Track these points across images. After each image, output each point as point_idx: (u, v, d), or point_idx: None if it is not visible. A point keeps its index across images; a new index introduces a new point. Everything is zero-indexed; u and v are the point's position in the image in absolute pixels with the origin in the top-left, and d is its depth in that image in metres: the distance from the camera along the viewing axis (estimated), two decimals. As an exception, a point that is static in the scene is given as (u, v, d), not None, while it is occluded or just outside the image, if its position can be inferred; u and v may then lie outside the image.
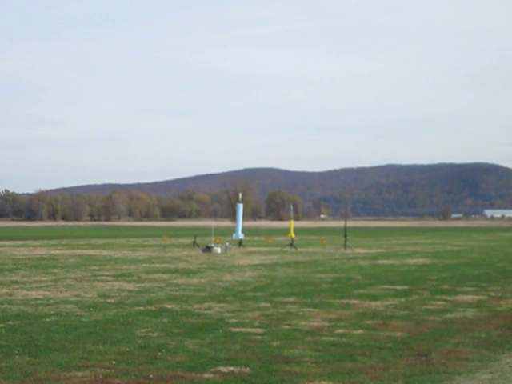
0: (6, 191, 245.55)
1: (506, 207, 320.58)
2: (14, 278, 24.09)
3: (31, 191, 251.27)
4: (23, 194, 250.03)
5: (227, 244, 43.54)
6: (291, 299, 18.10)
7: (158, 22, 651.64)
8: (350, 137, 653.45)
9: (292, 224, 51.07)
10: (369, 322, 14.32)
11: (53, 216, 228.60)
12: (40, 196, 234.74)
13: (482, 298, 18.66)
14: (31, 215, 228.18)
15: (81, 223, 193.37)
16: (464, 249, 47.63)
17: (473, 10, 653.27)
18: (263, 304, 17.09)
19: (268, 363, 10.33)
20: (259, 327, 13.55)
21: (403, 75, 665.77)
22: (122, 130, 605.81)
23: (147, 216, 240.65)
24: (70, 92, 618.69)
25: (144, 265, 31.17)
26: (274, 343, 11.90)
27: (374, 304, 17.22)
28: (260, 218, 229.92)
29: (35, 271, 27.30)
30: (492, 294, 19.62)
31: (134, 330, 13.19)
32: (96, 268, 28.94)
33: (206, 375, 9.60)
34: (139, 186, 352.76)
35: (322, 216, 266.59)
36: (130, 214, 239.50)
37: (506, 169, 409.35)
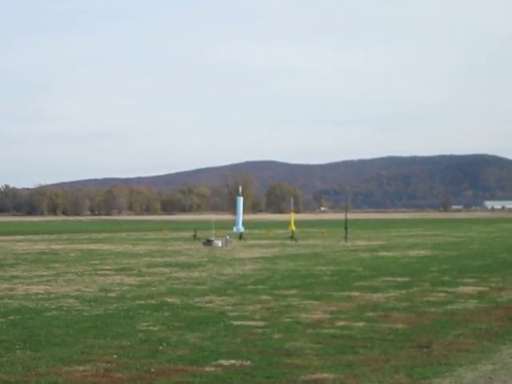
0: (6, 186, 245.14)
1: (506, 198, 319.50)
2: (15, 273, 24.10)
3: (31, 186, 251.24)
4: (23, 189, 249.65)
5: (228, 237, 43.51)
6: (292, 292, 18.09)
7: (157, 16, 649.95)
8: (350, 129, 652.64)
9: (292, 217, 51.04)
10: (370, 314, 14.32)
11: (53, 211, 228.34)
12: (40, 191, 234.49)
13: (482, 289, 18.66)
14: (31, 210, 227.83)
15: (81, 218, 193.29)
16: (464, 240, 47.62)
17: (470, 0, 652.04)
18: (264, 297, 17.09)
19: (269, 356, 10.33)
20: (260, 320, 13.55)
21: (403, 67, 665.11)
22: (122, 124, 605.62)
23: (148, 210, 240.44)
24: (69, 87, 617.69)
25: (145, 259, 31.19)
26: (275, 336, 11.90)
27: (375, 296, 17.22)
28: (260, 210, 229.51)
29: (36, 266, 27.31)
30: (493, 285, 19.62)
31: (134, 323, 13.19)
32: (97, 262, 28.95)
33: (207, 368, 9.60)
34: (139, 180, 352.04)
35: (322, 208, 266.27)
36: (131, 208, 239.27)
37: (507, 160, 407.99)
